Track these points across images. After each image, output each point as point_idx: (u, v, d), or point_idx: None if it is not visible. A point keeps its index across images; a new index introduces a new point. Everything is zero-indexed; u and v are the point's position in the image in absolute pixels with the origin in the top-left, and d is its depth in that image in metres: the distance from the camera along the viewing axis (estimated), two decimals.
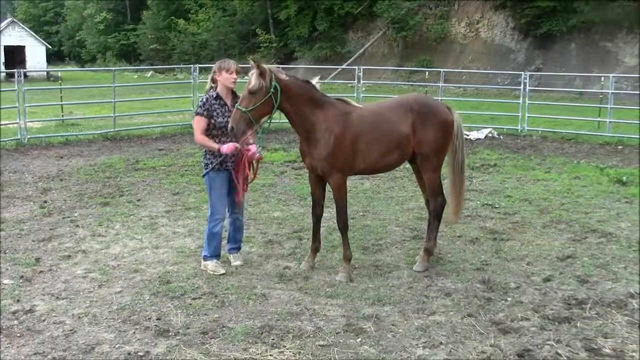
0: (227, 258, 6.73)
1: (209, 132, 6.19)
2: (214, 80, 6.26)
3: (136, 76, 41.48)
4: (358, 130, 6.07)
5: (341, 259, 6.46)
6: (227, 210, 6.55)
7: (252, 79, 5.69)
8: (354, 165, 6.18)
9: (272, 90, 5.73)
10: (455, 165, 6.65)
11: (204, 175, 6.34)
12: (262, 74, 5.69)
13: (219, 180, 6.30)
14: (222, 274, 6.33)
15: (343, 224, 6.33)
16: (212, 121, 6.15)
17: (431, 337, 4.99)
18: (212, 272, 6.36)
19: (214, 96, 6.19)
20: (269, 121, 6.09)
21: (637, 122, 15.32)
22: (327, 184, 6.36)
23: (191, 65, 18.39)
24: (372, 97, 19.59)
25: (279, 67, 5.98)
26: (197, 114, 6.18)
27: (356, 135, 6.06)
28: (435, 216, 6.61)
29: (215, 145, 6.11)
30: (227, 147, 6.06)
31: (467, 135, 15.74)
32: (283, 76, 5.86)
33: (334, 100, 6.20)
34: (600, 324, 5.24)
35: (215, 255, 6.50)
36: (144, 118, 17.45)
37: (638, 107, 16.63)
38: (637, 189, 10.12)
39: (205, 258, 6.49)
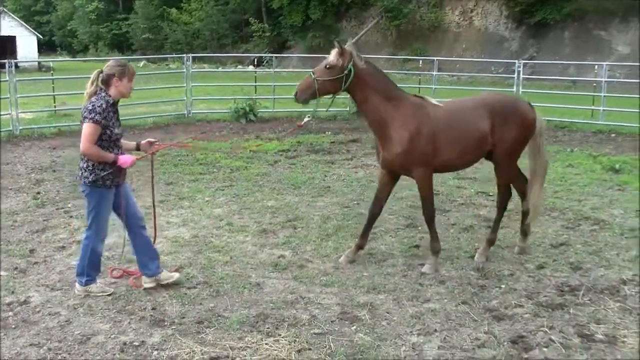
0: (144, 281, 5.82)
1: (99, 142, 5.26)
2: (106, 84, 5.34)
3: None
4: (435, 129, 5.99)
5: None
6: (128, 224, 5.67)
7: (332, 55, 5.85)
8: (432, 162, 6.09)
9: (346, 71, 5.81)
10: (539, 164, 6.54)
11: (85, 190, 5.40)
12: (342, 54, 5.82)
13: (109, 197, 5.46)
14: (111, 294, 5.63)
15: (429, 217, 6.28)
16: (109, 131, 5.27)
17: (425, 325, 5.02)
18: (100, 294, 5.59)
19: (111, 103, 5.32)
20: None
21: (631, 110, 15.41)
22: (395, 184, 6.49)
23: (184, 55, 18.29)
24: None
25: (359, 54, 5.96)
26: (95, 121, 5.15)
27: (433, 134, 5.98)
28: (502, 209, 6.61)
29: (110, 156, 5.27)
30: (127, 159, 5.35)
31: None
32: (361, 63, 5.90)
33: (412, 97, 6.15)
34: (593, 310, 5.29)
35: (97, 275, 5.76)
36: (137, 108, 17.34)
37: (632, 96, 16.67)
38: (629, 176, 10.18)
39: (89, 282, 5.60)
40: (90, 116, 5.18)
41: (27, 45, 49.81)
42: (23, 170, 10.94)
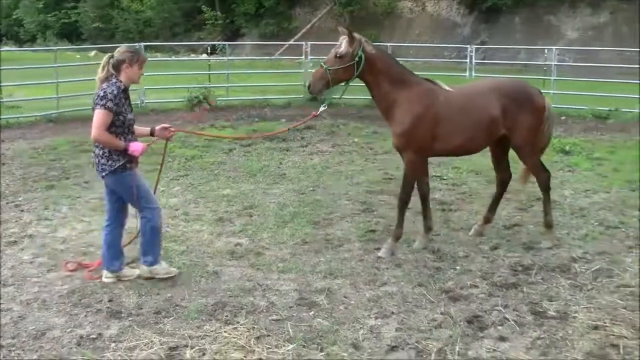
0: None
1: (112, 129, 5.27)
2: (117, 69, 5.33)
3: (78, 56, 40.15)
4: (442, 114, 6.01)
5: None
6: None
7: (343, 44, 5.84)
8: (432, 147, 6.13)
9: (356, 58, 5.81)
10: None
11: (111, 181, 5.43)
12: (351, 41, 5.81)
13: (136, 175, 5.46)
14: (174, 275, 5.71)
15: (402, 202, 6.33)
16: (122, 117, 5.29)
17: (383, 308, 5.08)
18: (165, 276, 5.65)
19: (123, 89, 5.31)
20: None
21: (580, 93, 15.86)
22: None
23: (136, 44, 17.95)
24: None
25: (367, 40, 5.99)
26: (106, 107, 5.16)
27: (439, 119, 6.00)
28: (546, 190, 6.62)
29: (121, 144, 5.27)
30: (137, 147, 5.31)
31: None
32: (370, 48, 5.90)
33: (422, 81, 6.15)
34: (545, 288, 5.45)
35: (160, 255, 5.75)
36: (88, 99, 16.97)
37: (581, 79, 17.13)
38: (579, 157, 10.50)
39: (153, 263, 5.63)
40: (102, 102, 5.18)
41: None
42: None
